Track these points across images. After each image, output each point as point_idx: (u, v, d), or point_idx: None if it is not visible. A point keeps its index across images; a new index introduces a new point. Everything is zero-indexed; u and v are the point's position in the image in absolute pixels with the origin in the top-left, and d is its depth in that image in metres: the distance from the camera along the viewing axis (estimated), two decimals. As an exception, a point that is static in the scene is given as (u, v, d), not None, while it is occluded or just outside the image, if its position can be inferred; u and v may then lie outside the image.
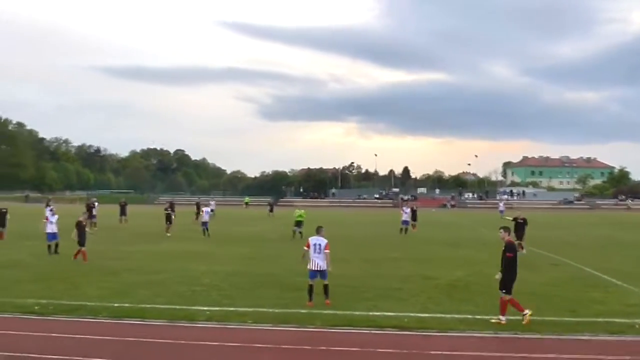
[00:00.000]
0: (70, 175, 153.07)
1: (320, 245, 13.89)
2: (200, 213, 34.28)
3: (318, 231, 14.36)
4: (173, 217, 34.78)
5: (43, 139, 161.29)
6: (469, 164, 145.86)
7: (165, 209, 35.71)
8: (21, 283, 16.56)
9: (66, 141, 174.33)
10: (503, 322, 11.96)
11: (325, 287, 13.82)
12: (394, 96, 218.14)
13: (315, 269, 13.83)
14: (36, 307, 13.04)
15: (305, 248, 14.13)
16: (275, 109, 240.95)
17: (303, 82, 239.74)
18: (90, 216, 37.56)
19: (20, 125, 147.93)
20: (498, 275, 12.37)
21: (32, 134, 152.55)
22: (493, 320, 12.08)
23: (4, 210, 30.16)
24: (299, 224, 32.80)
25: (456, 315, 12.62)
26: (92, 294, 14.96)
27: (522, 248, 24.48)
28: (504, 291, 12.21)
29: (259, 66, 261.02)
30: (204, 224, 33.35)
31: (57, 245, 23.06)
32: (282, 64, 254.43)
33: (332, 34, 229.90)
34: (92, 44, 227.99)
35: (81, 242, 21.61)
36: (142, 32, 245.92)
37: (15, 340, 10.53)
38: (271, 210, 59.97)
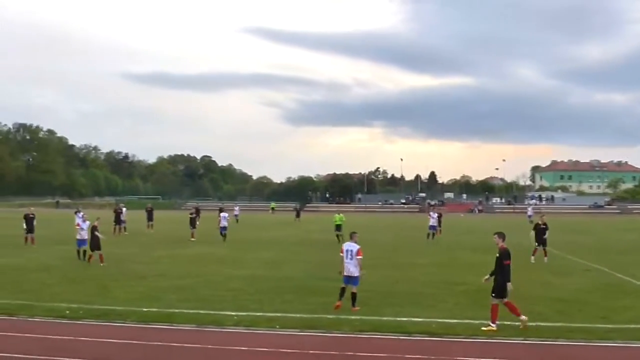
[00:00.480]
0: (99, 181, 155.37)
1: (352, 251, 13.87)
2: (218, 218, 34.48)
3: (352, 237, 14.39)
4: (197, 222, 35.02)
5: (73, 145, 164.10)
6: (497, 169, 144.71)
7: (191, 214, 36.04)
8: (52, 287, 16.84)
9: (95, 148, 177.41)
10: (494, 328, 11.85)
11: (353, 295, 13.80)
12: (419, 100, 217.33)
13: (347, 274, 13.84)
14: (67, 312, 13.23)
15: (341, 254, 14.11)
16: (299, 114, 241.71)
17: (327, 87, 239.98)
18: (119, 221, 38.20)
19: (50, 132, 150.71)
20: (486, 279, 12.48)
21: (62, 141, 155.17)
22: (484, 328, 11.91)
23: (32, 215, 30.69)
24: (338, 227, 34.26)
25: (484, 321, 12.47)
26: (121, 297, 15.14)
27: (545, 255, 24.04)
28: (493, 295, 12.18)
29: (284, 71, 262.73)
30: (223, 228, 33.59)
31: (85, 251, 23.26)
32: (306, 69, 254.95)
33: (356, 38, 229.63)
34: (120, 51, 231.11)
35: (92, 246, 22.28)
36: (169, 39, 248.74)
37: (47, 344, 10.70)
38: (298, 216, 60.13)
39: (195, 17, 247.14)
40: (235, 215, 55.98)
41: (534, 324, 12.02)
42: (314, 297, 15.44)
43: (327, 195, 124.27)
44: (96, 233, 22.56)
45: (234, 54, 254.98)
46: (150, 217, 41.67)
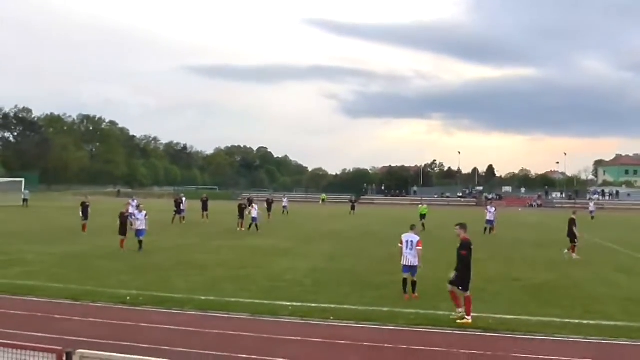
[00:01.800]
0: (159, 171, 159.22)
1: (412, 242, 14.38)
2: (249, 209, 34.81)
3: (412, 228, 14.93)
4: (247, 212, 35.33)
5: (134, 136, 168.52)
6: (557, 162, 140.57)
7: (241, 205, 36.31)
8: (115, 274, 17.39)
9: (155, 139, 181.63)
10: (469, 321, 11.80)
11: (414, 283, 14.45)
12: (480, 92, 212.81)
13: (407, 264, 14.38)
14: (128, 298, 13.67)
15: (399, 245, 14.52)
16: (358, 105, 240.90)
17: (387, 78, 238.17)
18: (179, 211, 39.15)
19: (112, 123, 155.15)
20: (452, 274, 12.31)
21: (123, 132, 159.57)
22: (458, 321, 11.85)
23: (88, 203, 31.79)
24: (423, 216, 37.04)
25: (542, 318, 12.24)
26: (180, 286, 15.51)
27: (572, 251, 23.15)
28: (460, 288, 12.10)
29: (343, 63, 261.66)
30: (254, 219, 33.99)
31: (140, 242, 23.19)
32: (366, 61, 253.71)
33: (416, 30, 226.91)
34: (182, 46, 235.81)
35: (122, 231, 23.39)
36: (229, 32, 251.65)
37: (107, 329, 11.08)
38: (353, 208, 59.94)
39: (257, 9, 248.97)
40: (284, 207, 55.74)
41: (594, 322, 11.68)
42: (370, 290, 15.46)
43: (383, 187, 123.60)
44: (132, 219, 23.54)
45: (294, 45, 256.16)
46: (205, 207, 42.35)
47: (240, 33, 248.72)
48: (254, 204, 35.19)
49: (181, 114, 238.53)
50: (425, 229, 36.02)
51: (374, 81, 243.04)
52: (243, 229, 33.74)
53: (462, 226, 12.70)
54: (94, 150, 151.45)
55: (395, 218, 52.55)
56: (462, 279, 12.14)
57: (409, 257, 14.29)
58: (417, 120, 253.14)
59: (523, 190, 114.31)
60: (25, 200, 59.24)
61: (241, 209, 35.24)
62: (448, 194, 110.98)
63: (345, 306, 13.22)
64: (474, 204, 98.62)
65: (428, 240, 23.73)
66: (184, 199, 41.14)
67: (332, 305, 13.22)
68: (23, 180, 66.05)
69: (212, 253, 23.15)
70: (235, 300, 13.72)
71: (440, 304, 13.51)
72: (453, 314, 12.21)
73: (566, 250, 23.52)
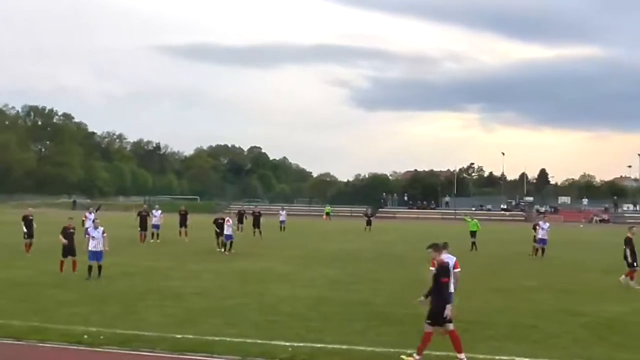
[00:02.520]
0: (125, 177, 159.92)
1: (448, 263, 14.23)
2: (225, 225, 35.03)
3: (445, 247, 14.59)
4: (238, 231, 35.27)
5: (93, 133, 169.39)
6: (629, 166, 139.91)
7: (217, 219, 36.48)
8: (68, 306, 17.40)
9: (120, 136, 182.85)
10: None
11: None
12: (529, 77, 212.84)
13: None
14: (85, 336, 13.65)
15: (431, 268, 14.10)
16: (374, 95, 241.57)
17: (410, 61, 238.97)
18: (144, 227, 39.31)
19: (67, 117, 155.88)
20: (420, 300, 12.63)
21: (80, 127, 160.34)
22: (403, 356, 12.13)
23: (31, 217, 31.85)
24: (473, 234, 38.83)
25: (611, 364, 12.20)
26: (150, 321, 15.51)
27: (630, 277, 23.74)
28: (428, 321, 12.27)
29: (355, 42, 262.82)
30: (227, 237, 34.10)
31: (100, 268, 22.90)
32: (383, 39, 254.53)
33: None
34: (149, 18, 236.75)
35: (66, 251, 23.70)
36: (212, 3, 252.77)
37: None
38: (368, 224, 59.97)
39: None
40: (281, 222, 56.22)
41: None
42: (390, 326, 15.45)
43: (406, 198, 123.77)
44: (86, 237, 23.87)
45: (293, 20, 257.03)
46: (183, 222, 42.57)
47: (225, 5, 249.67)
48: (228, 218, 35.22)
49: (153, 105, 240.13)
50: (477, 249, 37.44)
51: (394, 64, 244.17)
52: (227, 253, 33.46)
53: (436, 247, 13.00)
54: (43, 150, 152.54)
55: (421, 235, 52.49)
56: (435, 311, 12.32)
57: None
58: (448, 114, 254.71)
59: (585, 201, 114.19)
60: (-47, 213, 59.35)
61: (220, 225, 35.28)
62: (489, 206, 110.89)
63: (358, 347, 13.20)
64: (523, 218, 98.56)
65: (466, 264, 23.71)
66: (158, 212, 41.41)
67: (342, 346, 13.21)
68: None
69: (191, 279, 23.15)
70: (220, 339, 13.70)
71: (478, 346, 13.47)
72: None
73: (623, 277, 23.87)
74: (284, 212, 59.13)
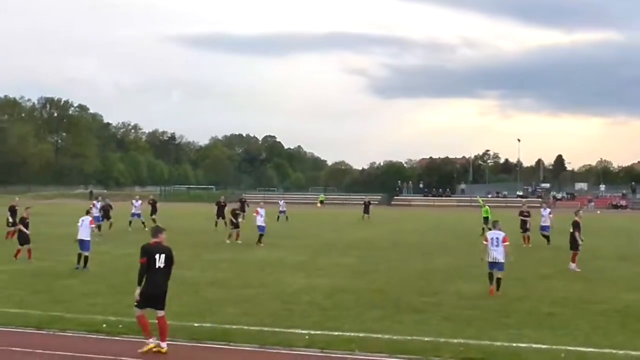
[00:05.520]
0: (141, 167, 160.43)
1: (498, 238, 18.17)
2: (242, 214, 34.77)
3: (495, 226, 18.94)
4: (240, 220, 34.77)
5: (108, 124, 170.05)
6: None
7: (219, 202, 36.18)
8: (87, 296, 17.51)
9: (135, 127, 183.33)
10: (152, 345, 11.86)
11: (498, 280, 18.02)
12: (546, 63, 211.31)
13: (493, 261, 18.09)
14: (104, 325, 13.76)
15: (485, 242, 18.57)
16: (390, 82, 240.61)
17: (426, 47, 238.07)
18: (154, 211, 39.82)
19: (82, 108, 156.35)
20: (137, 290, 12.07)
21: (95, 118, 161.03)
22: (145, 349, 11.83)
23: (16, 207, 32.55)
24: (485, 220, 38.84)
25: (631, 352, 12.11)
26: (169, 310, 15.46)
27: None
28: (135, 305, 12.05)
29: (371, 29, 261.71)
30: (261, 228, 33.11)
31: (86, 259, 22.85)
32: (399, 25, 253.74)
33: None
34: (162, 9, 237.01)
35: (21, 239, 24.73)
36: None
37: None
38: (366, 211, 58.10)
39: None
40: (281, 212, 55.23)
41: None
42: (407, 314, 15.45)
43: (421, 185, 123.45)
44: (21, 227, 24.95)
45: (307, 8, 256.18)
46: (154, 210, 42.86)
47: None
48: (258, 209, 34.29)
49: (168, 95, 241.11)
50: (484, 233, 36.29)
51: (410, 51, 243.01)
52: (239, 241, 33.34)
53: (154, 231, 12.69)
54: (59, 141, 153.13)
55: (437, 223, 52.43)
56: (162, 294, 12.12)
57: (495, 254, 17.95)
58: (465, 100, 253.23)
59: (602, 187, 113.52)
60: (-28, 205, 59.64)
61: (234, 213, 34.77)
62: (505, 193, 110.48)
63: (375, 335, 13.19)
64: (539, 205, 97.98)
65: (478, 252, 23.68)
66: (137, 202, 42.44)
67: (359, 334, 13.22)
68: (-30, 180, 66.81)
69: (208, 269, 23.24)
70: (238, 327, 13.75)
71: (496, 333, 13.45)
72: (145, 348, 11.93)
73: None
74: (283, 202, 58.51)
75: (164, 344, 11.85)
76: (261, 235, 32.48)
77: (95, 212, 30.28)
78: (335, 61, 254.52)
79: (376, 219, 56.92)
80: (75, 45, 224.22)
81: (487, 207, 40.99)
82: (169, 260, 12.02)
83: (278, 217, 53.92)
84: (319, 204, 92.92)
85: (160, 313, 11.94)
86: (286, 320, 14.53)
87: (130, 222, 40.75)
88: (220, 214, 42.17)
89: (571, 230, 24.30)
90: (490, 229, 35.99)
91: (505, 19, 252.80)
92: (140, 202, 43.03)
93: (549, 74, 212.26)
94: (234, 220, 34.21)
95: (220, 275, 21.71)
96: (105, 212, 39.37)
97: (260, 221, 33.01)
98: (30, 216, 25.84)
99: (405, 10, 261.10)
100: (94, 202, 37.87)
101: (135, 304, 11.97)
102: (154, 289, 11.87)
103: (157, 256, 11.88)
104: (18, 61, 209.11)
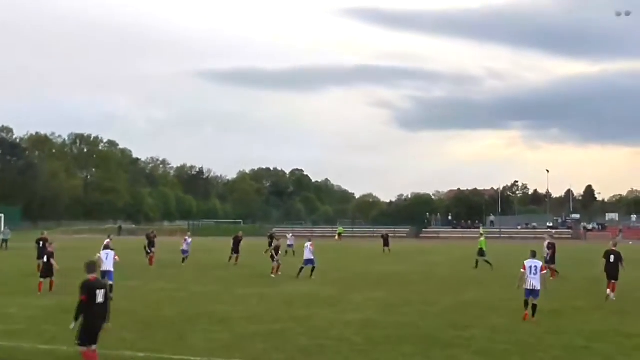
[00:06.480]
0: (170, 202, 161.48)
1: (536, 267, 19.36)
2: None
3: (533, 255, 19.89)
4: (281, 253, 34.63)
5: (138, 159, 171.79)
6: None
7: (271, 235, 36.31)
8: (116, 331, 17.44)
9: (164, 162, 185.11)
10: None
11: (534, 306, 19.00)
12: (573, 94, 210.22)
13: (530, 288, 19.14)
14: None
15: (522, 270, 19.51)
16: (416, 115, 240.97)
17: (452, 80, 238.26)
18: (150, 248, 40.23)
19: (111, 144, 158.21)
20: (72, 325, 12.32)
21: (125, 154, 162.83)
22: None
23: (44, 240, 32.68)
24: (481, 252, 38.55)
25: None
26: (199, 346, 15.53)
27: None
28: (77, 342, 12.13)
29: (397, 62, 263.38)
30: (308, 261, 32.95)
31: (111, 287, 22.62)
32: (425, 58, 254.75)
33: (488, 17, 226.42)
34: (191, 45, 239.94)
35: (46, 272, 25.73)
36: (253, 28, 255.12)
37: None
38: (386, 244, 57.16)
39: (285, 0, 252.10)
40: (289, 246, 51.59)
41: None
42: (439, 349, 15.30)
43: (450, 217, 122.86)
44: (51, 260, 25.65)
45: (334, 42, 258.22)
46: (236, 248, 42.21)
47: (266, 29, 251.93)
48: (309, 243, 34.04)
49: (196, 130, 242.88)
50: (477, 267, 37.59)
51: (436, 84, 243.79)
52: (279, 274, 33.25)
53: (89, 267, 12.85)
54: (89, 177, 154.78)
55: (467, 256, 51.83)
56: (82, 328, 12.27)
57: (533, 282, 19.03)
58: (491, 132, 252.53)
59: (634, 217, 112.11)
60: (4, 241, 59.48)
61: (277, 248, 34.86)
62: (534, 224, 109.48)
63: (408, 371, 13.01)
64: (569, 236, 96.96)
65: (508, 284, 23.37)
66: (188, 239, 42.79)
67: (392, 370, 13.05)
68: (2, 215, 67.33)
69: (238, 304, 23.16)
70: (268, 364, 13.65)
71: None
72: None
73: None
74: (291, 235, 55.21)
75: None
76: (313, 268, 32.67)
77: (185, 246, 39.48)
78: (362, 94, 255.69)
79: (405, 252, 56.62)
80: (105, 80, 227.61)
81: (484, 238, 39.43)
82: (106, 296, 12.39)
83: (286, 251, 52.11)
84: (337, 237, 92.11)
85: (94, 347, 12.25)
86: (316, 356, 14.44)
87: (183, 260, 40.00)
88: (235, 249, 42.06)
89: (611, 261, 24.59)
90: (486, 261, 36.26)
91: (531, 50, 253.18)
92: (190, 240, 42.78)
93: (575, 104, 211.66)
94: (275, 256, 34.36)
95: (250, 310, 21.63)
96: (150, 242, 40.28)
97: (308, 255, 33.00)
98: (55, 250, 26.70)
99: (431, 43, 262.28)
100: (185, 237, 42.67)
101: (78, 342, 12.21)
102: (96, 324, 12.22)
103: (97, 292, 12.24)
104: (49, 97, 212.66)
